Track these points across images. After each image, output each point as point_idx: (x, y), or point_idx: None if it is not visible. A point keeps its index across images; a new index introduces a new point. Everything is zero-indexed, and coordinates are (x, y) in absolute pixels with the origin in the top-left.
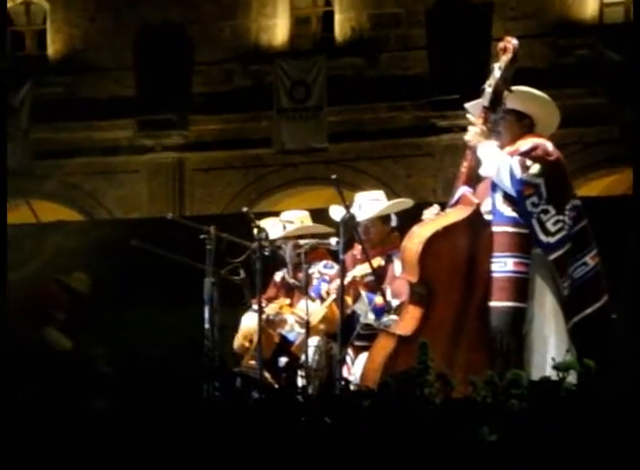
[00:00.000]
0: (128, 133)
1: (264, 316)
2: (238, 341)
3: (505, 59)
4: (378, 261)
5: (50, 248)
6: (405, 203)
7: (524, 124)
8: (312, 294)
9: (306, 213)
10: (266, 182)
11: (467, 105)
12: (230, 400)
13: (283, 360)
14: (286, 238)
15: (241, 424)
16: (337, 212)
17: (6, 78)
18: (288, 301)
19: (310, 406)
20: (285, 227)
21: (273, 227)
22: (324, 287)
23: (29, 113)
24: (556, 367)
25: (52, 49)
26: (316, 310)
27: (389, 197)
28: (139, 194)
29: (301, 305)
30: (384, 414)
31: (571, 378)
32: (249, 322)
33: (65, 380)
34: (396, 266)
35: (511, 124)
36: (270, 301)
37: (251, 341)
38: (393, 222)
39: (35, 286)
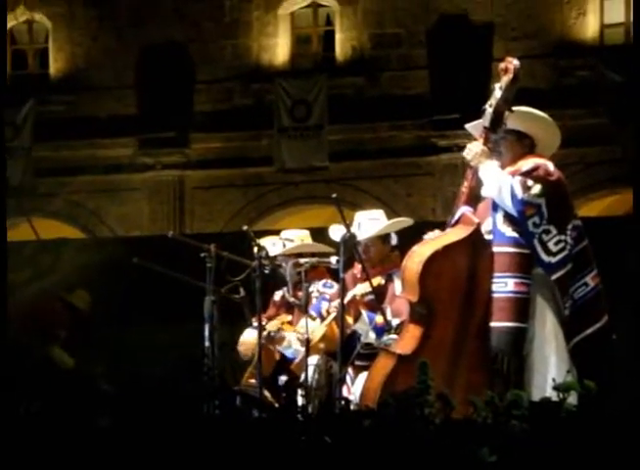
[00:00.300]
0: (129, 151)
1: (265, 332)
2: (240, 350)
3: (506, 79)
4: (378, 280)
5: (52, 265)
6: (405, 222)
7: (524, 144)
8: (312, 312)
9: (307, 232)
10: (266, 201)
11: (467, 126)
12: (230, 419)
13: (282, 379)
14: (285, 256)
15: (241, 443)
16: (337, 232)
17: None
18: (289, 317)
19: (310, 426)
20: (285, 245)
21: (273, 245)
22: (324, 305)
23: (32, 131)
24: (556, 388)
25: (54, 68)
26: (316, 329)
27: (389, 216)
28: (140, 212)
29: (302, 323)
30: (384, 434)
31: (572, 399)
32: (248, 335)
33: (67, 397)
34: (397, 285)
35: (512, 144)
36: (270, 319)
37: (249, 353)
38: (393, 241)
39: (38, 303)
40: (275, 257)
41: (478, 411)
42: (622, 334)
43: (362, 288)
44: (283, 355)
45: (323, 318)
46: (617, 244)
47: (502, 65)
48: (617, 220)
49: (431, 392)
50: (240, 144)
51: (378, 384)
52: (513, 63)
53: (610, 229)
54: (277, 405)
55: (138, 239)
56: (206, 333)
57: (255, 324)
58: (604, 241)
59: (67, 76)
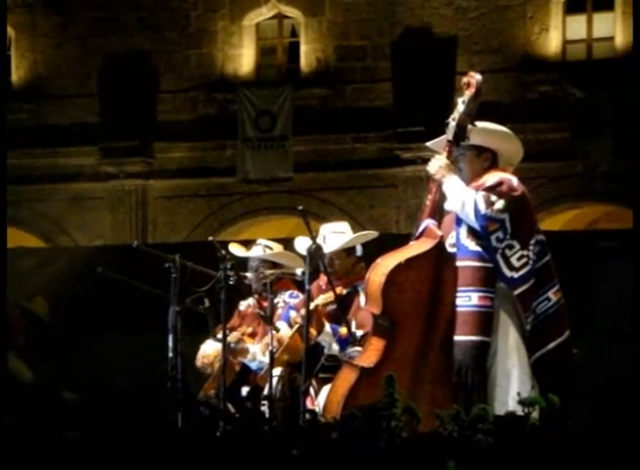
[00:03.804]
0: (92, 160)
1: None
2: (198, 361)
3: (468, 93)
4: (339, 290)
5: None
6: (369, 235)
7: (484, 158)
8: (282, 322)
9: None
10: (230, 211)
11: (429, 143)
12: (197, 430)
13: (245, 390)
14: (262, 260)
15: (208, 454)
16: (302, 244)
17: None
18: (250, 329)
19: (277, 438)
20: (264, 251)
21: (254, 248)
22: (292, 314)
23: None
24: (521, 402)
25: (16, 75)
26: (283, 337)
27: (353, 227)
28: (102, 221)
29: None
30: (351, 447)
31: (534, 413)
32: (206, 347)
33: (31, 409)
34: (362, 298)
35: (471, 160)
36: (233, 330)
37: (209, 365)
38: (358, 252)
39: None
40: (248, 258)
41: (444, 425)
42: (584, 349)
43: (324, 298)
44: (243, 367)
45: (292, 327)
46: (578, 258)
47: (465, 79)
48: (579, 234)
49: (397, 405)
50: (204, 154)
51: (340, 396)
52: (475, 77)
53: (571, 243)
54: (239, 416)
55: (102, 248)
56: (170, 343)
57: (218, 335)
58: (566, 255)
59: (29, 84)
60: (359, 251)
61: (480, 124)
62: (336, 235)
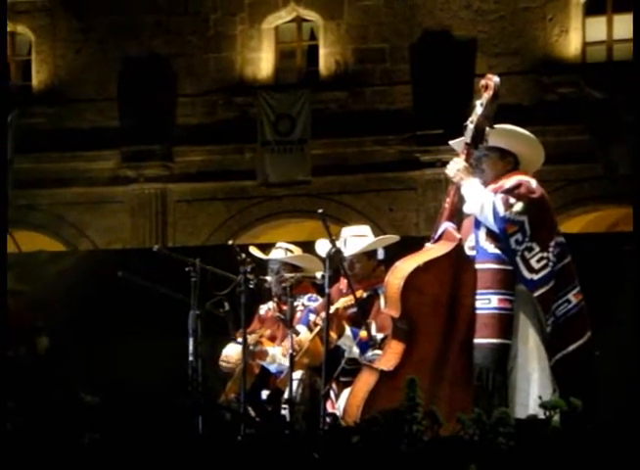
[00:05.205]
0: (112, 164)
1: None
2: (221, 364)
3: (486, 96)
4: (360, 293)
5: (33, 277)
6: (390, 239)
7: (507, 162)
8: (301, 325)
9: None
10: (249, 214)
11: (451, 142)
12: (219, 434)
13: (265, 393)
14: (283, 263)
15: (230, 458)
16: (323, 247)
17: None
18: (268, 331)
19: (298, 441)
20: (285, 253)
21: (274, 251)
22: (312, 317)
23: (14, 143)
24: (543, 406)
25: (36, 79)
26: (303, 340)
27: (373, 230)
28: (122, 225)
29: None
30: (372, 451)
31: (555, 416)
32: (229, 350)
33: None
34: (382, 301)
35: (494, 162)
36: (251, 334)
37: (232, 367)
38: (380, 256)
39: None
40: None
41: (465, 428)
42: (606, 351)
43: (344, 301)
44: (263, 370)
45: (311, 330)
46: (599, 260)
47: (483, 81)
48: (600, 237)
49: (419, 409)
50: (223, 157)
51: (360, 400)
52: (493, 80)
53: (592, 246)
54: (259, 420)
55: (122, 252)
56: (191, 347)
57: (239, 339)
58: (586, 258)
59: (49, 88)
60: (381, 254)
61: (505, 127)
62: (357, 238)
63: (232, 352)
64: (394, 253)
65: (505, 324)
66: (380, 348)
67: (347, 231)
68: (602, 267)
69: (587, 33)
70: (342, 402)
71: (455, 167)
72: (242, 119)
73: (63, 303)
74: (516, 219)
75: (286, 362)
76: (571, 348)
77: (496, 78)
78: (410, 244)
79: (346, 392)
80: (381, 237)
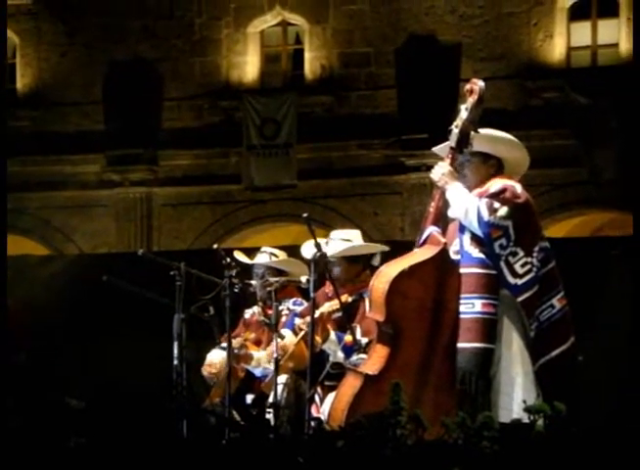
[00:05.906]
0: (97, 168)
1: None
2: (205, 370)
3: (471, 100)
4: (345, 298)
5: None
6: (374, 247)
7: (490, 165)
8: (286, 330)
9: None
10: (234, 218)
11: (435, 148)
12: (204, 438)
13: (249, 397)
14: (267, 267)
15: (214, 462)
16: (309, 250)
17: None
18: (253, 335)
19: (283, 445)
20: (270, 258)
21: (259, 255)
22: (297, 321)
23: None
24: (527, 410)
25: (21, 83)
26: (287, 344)
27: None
28: (107, 229)
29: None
30: (357, 455)
31: (539, 420)
32: (213, 356)
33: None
34: (367, 305)
35: (477, 167)
36: (236, 337)
37: (216, 374)
38: (376, 262)
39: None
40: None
41: (449, 432)
42: (590, 355)
43: (329, 305)
44: (248, 374)
45: (296, 334)
46: (583, 265)
47: (467, 86)
48: (584, 241)
49: (403, 413)
50: (208, 161)
51: (345, 404)
52: (478, 84)
53: (576, 250)
54: (243, 423)
55: (107, 256)
56: (175, 351)
57: (223, 344)
58: (570, 262)
59: (34, 92)
60: (377, 261)
61: (487, 132)
62: (339, 242)
63: (216, 359)
64: (381, 257)
65: (488, 329)
66: (365, 352)
67: (335, 234)
68: (586, 272)
69: (572, 38)
70: (327, 407)
71: (440, 172)
72: (227, 123)
73: (53, 306)
74: (500, 224)
75: (271, 367)
76: (555, 353)
77: (481, 83)
78: (395, 248)
79: (331, 396)
80: (366, 244)
